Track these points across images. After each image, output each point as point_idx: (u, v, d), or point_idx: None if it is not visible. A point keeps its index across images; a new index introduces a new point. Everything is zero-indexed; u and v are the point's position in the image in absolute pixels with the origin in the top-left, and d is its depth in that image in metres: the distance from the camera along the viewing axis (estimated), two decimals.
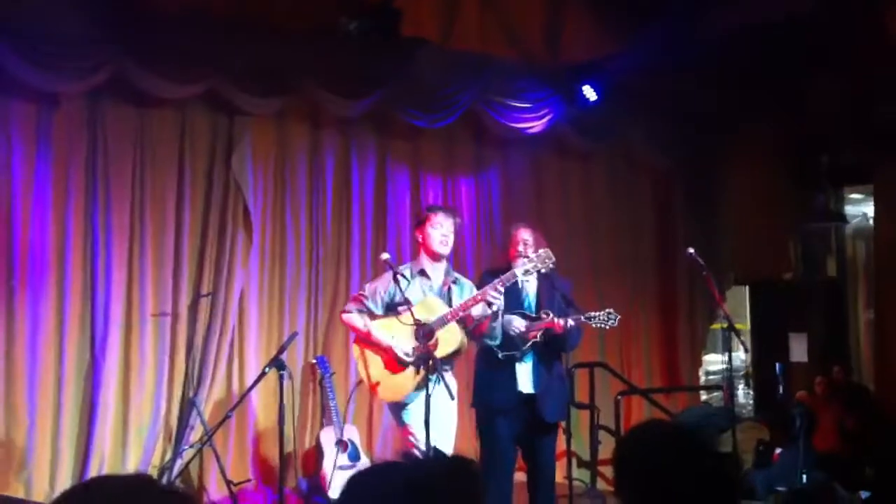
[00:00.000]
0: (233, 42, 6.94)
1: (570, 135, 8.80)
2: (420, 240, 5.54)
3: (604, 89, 8.38)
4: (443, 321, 5.22)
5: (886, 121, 8.45)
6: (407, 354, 5.20)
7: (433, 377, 5.04)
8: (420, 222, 5.57)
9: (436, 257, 5.48)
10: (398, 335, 5.24)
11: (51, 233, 6.68)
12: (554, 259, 5.35)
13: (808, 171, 9.82)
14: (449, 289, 5.47)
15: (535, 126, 8.46)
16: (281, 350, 5.86)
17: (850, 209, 10.21)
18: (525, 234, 5.72)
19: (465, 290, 5.51)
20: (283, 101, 7.40)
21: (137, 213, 7.00)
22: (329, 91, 7.43)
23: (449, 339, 5.24)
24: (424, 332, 5.16)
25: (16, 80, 6.32)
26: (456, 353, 5.33)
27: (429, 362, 5.00)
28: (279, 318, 7.58)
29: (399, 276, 5.23)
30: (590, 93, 8.40)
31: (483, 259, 8.49)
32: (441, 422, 5.22)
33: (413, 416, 5.21)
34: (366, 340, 5.37)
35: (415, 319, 5.01)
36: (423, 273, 5.46)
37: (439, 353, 5.20)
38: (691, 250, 6.19)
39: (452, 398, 5.17)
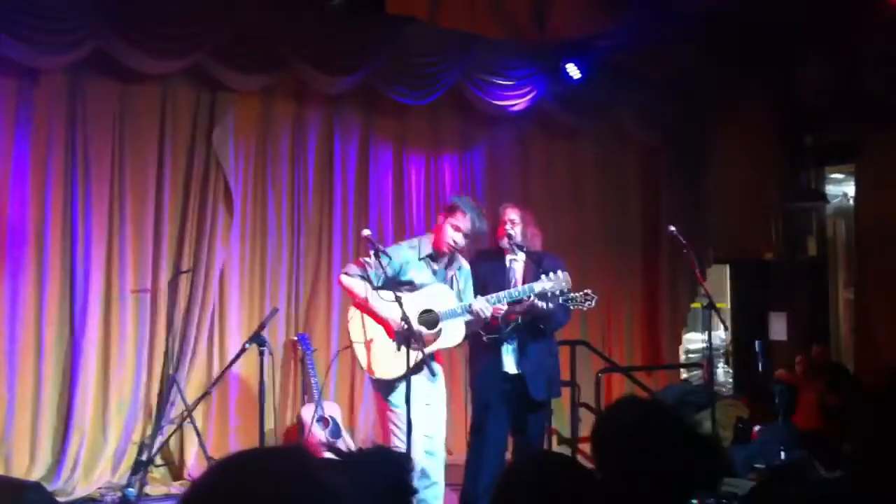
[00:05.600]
0: (217, 17, 6.89)
1: (556, 112, 8.78)
2: (437, 223, 5.47)
3: (591, 65, 8.35)
4: (451, 315, 5.22)
5: (873, 95, 8.45)
6: (398, 331, 5.13)
7: (425, 368, 5.09)
8: (449, 210, 5.43)
9: (441, 252, 5.42)
10: (397, 310, 5.09)
11: (30, 208, 6.62)
12: (569, 285, 5.39)
13: (791, 150, 9.84)
14: (453, 277, 5.45)
15: (518, 104, 8.43)
16: (261, 326, 5.84)
17: (831, 189, 10.24)
18: (512, 214, 5.76)
19: (462, 277, 5.49)
20: (267, 77, 7.35)
21: (117, 188, 6.95)
22: (314, 67, 7.37)
23: (454, 333, 5.24)
24: (429, 320, 5.12)
25: None
26: (455, 346, 5.38)
27: (410, 340, 4.96)
28: (260, 294, 7.55)
29: (381, 253, 5.20)
30: (574, 71, 8.37)
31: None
32: (434, 406, 5.30)
33: (401, 397, 5.16)
34: (363, 307, 5.28)
35: (402, 313, 4.94)
36: (430, 257, 5.40)
37: (441, 344, 5.21)
38: (673, 228, 6.22)
39: (434, 375, 5.19)
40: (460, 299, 5.38)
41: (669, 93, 9.15)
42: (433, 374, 5.20)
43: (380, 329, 5.25)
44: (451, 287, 5.42)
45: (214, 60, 6.98)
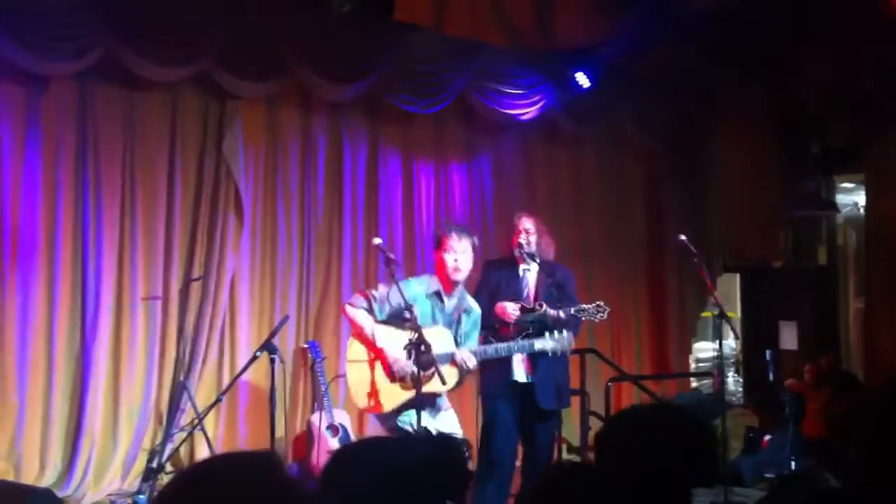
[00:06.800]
0: (225, 25, 6.91)
1: (562, 120, 8.78)
2: (436, 264, 5.42)
3: (596, 73, 8.36)
4: (446, 359, 5.16)
5: (878, 98, 8.44)
6: (403, 370, 5.09)
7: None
8: (436, 245, 5.42)
9: (448, 286, 5.34)
10: (397, 348, 5.08)
11: (41, 216, 6.64)
12: (572, 346, 5.48)
13: (799, 158, 9.83)
14: (459, 318, 5.39)
15: (528, 112, 8.44)
16: (272, 334, 5.86)
17: (841, 198, 10.22)
18: (527, 223, 5.78)
19: (470, 320, 5.43)
20: (275, 85, 7.36)
21: (128, 196, 6.97)
22: (321, 75, 7.39)
23: (447, 378, 5.13)
24: (426, 361, 4.99)
25: (4, 61, 6.27)
26: (447, 390, 5.30)
27: (420, 348, 4.93)
28: (270, 302, 7.56)
29: (390, 259, 5.19)
30: (583, 80, 8.38)
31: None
32: (445, 418, 5.29)
33: (412, 417, 5.09)
34: (366, 340, 5.22)
35: (420, 340, 4.89)
36: (437, 295, 5.35)
37: (432, 387, 5.12)
38: (683, 237, 6.23)
39: (444, 383, 5.18)
40: (460, 342, 5.34)
41: (673, 97, 9.15)
42: (441, 381, 5.18)
43: (378, 366, 5.19)
44: (457, 328, 5.37)
45: (220, 67, 6.98)
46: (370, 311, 5.25)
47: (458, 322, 5.39)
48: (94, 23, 6.44)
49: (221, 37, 6.89)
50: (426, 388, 5.06)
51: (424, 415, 5.12)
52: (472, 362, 5.25)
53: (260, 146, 7.57)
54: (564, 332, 5.45)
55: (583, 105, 8.65)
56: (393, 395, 5.16)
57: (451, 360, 5.21)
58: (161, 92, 7.10)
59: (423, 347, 4.86)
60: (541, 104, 8.46)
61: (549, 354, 5.44)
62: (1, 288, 6.48)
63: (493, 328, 5.60)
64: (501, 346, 5.38)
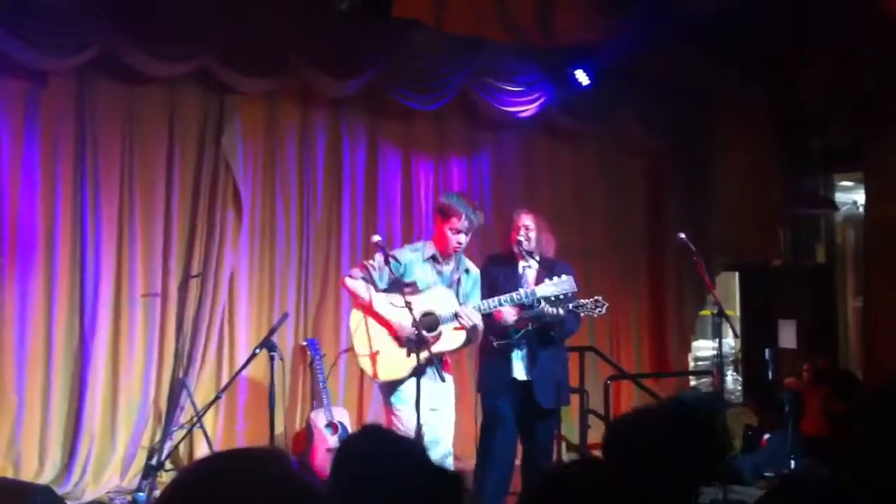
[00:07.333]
0: (224, 20, 6.90)
1: (562, 118, 8.77)
2: (437, 227, 5.46)
3: (596, 71, 8.36)
4: (450, 319, 5.23)
5: (878, 98, 8.44)
6: (407, 336, 5.16)
7: (430, 367, 5.06)
8: (443, 214, 5.41)
9: (445, 252, 5.42)
10: (401, 314, 5.16)
11: (39, 212, 6.63)
12: (574, 288, 5.41)
13: (799, 156, 9.83)
14: (459, 280, 5.46)
15: (528, 110, 8.43)
16: (271, 331, 5.87)
17: (840, 196, 10.22)
18: (527, 220, 5.77)
19: (469, 281, 5.49)
20: (274, 81, 7.35)
21: (126, 191, 6.96)
22: (320, 71, 7.38)
23: (452, 338, 5.25)
24: (429, 323, 5.14)
25: (3, 55, 6.25)
26: (455, 350, 5.38)
27: (420, 346, 4.98)
28: (269, 298, 7.55)
29: (391, 259, 5.22)
30: (582, 77, 8.38)
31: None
32: (440, 411, 5.30)
33: (403, 399, 5.20)
34: (367, 310, 5.31)
35: (411, 313, 4.96)
36: (434, 259, 5.42)
37: (440, 347, 5.20)
38: (682, 235, 6.22)
39: (443, 380, 5.19)
40: (462, 302, 5.39)
41: (673, 97, 9.14)
42: (441, 378, 5.19)
43: (383, 332, 5.27)
44: (457, 290, 5.43)
45: (221, 63, 6.98)
46: (370, 280, 5.31)
47: (458, 283, 5.45)
48: (96, 18, 6.43)
49: (222, 32, 6.88)
50: (435, 349, 5.12)
51: (429, 382, 5.13)
52: (476, 317, 5.29)
53: (259, 141, 7.56)
54: (563, 275, 5.44)
55: (583, 104, 8.65)
56: (400, 362, 5.19)
57: (456, 318, 5.26)
58: (160, 87, 7.08)
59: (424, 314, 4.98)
60: (540, 102, 8.45)
61: (553, 298, 5.40)
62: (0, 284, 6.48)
63: (491, 325, 5.59)
64: (504, 297, 5.38)
